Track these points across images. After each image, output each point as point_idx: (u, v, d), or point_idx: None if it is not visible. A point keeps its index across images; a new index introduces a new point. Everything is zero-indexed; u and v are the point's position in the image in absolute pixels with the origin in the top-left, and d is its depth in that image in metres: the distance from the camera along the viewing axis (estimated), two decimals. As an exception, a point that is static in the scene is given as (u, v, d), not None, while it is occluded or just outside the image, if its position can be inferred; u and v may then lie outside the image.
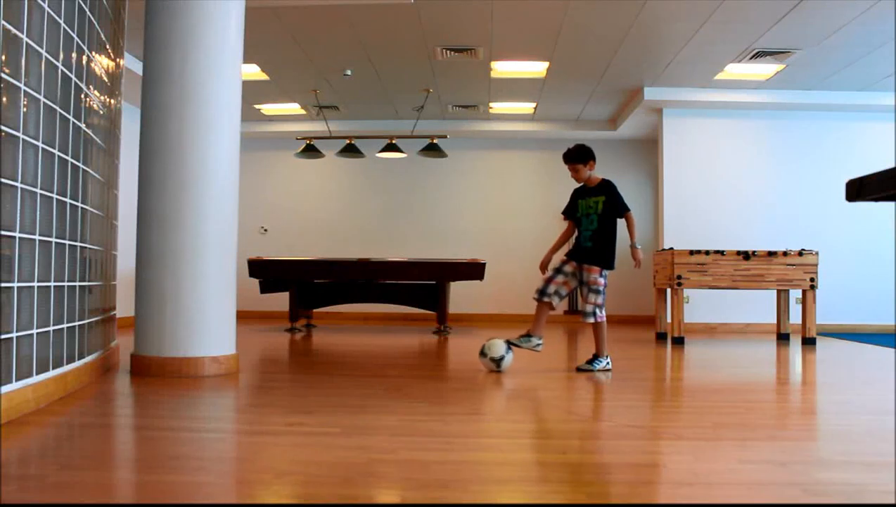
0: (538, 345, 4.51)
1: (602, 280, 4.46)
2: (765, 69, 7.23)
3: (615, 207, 4.50)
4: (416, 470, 2.10)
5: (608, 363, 4.50)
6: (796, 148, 8.41)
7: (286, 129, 9.48)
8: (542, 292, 4.51)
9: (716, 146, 8.44)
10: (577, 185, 4.68)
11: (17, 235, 2.69)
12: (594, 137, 9.79)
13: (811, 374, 4.81)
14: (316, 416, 2.93)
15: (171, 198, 3.98)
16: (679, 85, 7.88)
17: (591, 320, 4.44)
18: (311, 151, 8.39)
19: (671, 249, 6.49)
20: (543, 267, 4.66)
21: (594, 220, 4.52)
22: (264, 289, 7.72)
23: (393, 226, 9.98)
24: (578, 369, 4.46)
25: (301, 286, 7.52)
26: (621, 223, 4.54)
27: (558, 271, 4.53)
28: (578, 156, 4.55)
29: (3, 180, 2.54)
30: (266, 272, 7.51)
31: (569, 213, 4.68)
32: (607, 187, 4.56)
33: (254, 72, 7.40)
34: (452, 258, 7.70)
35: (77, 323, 3.41)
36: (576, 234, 4.66)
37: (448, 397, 3.54)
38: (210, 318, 4.02)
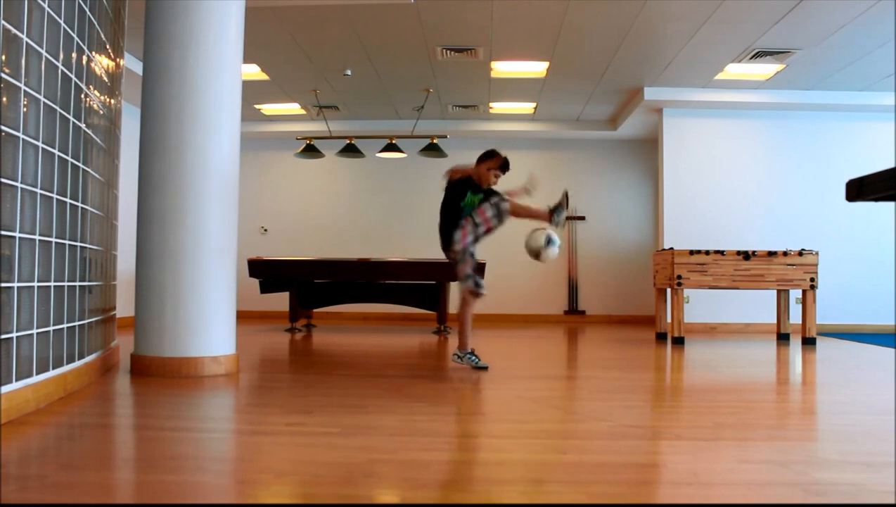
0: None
1: None
2: (765, 69, 7.23)
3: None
4: (416, 470, 2.10)
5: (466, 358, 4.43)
6: (796, 148, 8.41)
7: (286, 129, 9.48)
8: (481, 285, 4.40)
9: (716, 146, 8.44)
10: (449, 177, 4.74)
11: (17, 235, 2.69)
12: (594, 137, 9.79)
13: (811, 374, 4.81)
14: (316, 416, 2.92)
15: (171, 198, 3.98)
16: (679, 85, 7.88)
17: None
18: (311, 151, 8.39)
19: (671, 249, 6.49)
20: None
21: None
22: (264, 289, 7.72)
23: (393, 226, 9.97)
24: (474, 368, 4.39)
25: (301, 286, 7.52)
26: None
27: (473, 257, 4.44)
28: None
29: (3, 180, 2.54)
30: (266, 272, 7.51)
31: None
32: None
33: (254, 72, 7.40)
34: (452, 258, 7.69)
35: (77, 323, 3.41)
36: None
37: (448, 397, 3.54)
38: (210, 318, 4.02)
